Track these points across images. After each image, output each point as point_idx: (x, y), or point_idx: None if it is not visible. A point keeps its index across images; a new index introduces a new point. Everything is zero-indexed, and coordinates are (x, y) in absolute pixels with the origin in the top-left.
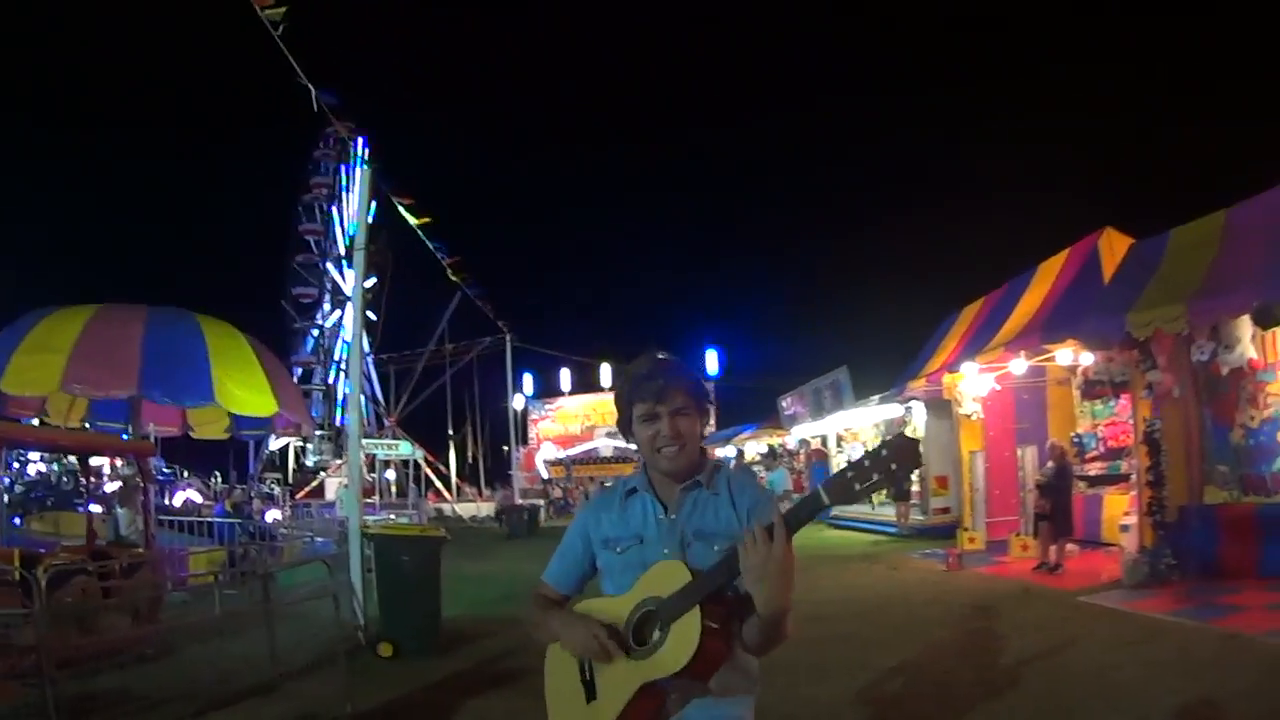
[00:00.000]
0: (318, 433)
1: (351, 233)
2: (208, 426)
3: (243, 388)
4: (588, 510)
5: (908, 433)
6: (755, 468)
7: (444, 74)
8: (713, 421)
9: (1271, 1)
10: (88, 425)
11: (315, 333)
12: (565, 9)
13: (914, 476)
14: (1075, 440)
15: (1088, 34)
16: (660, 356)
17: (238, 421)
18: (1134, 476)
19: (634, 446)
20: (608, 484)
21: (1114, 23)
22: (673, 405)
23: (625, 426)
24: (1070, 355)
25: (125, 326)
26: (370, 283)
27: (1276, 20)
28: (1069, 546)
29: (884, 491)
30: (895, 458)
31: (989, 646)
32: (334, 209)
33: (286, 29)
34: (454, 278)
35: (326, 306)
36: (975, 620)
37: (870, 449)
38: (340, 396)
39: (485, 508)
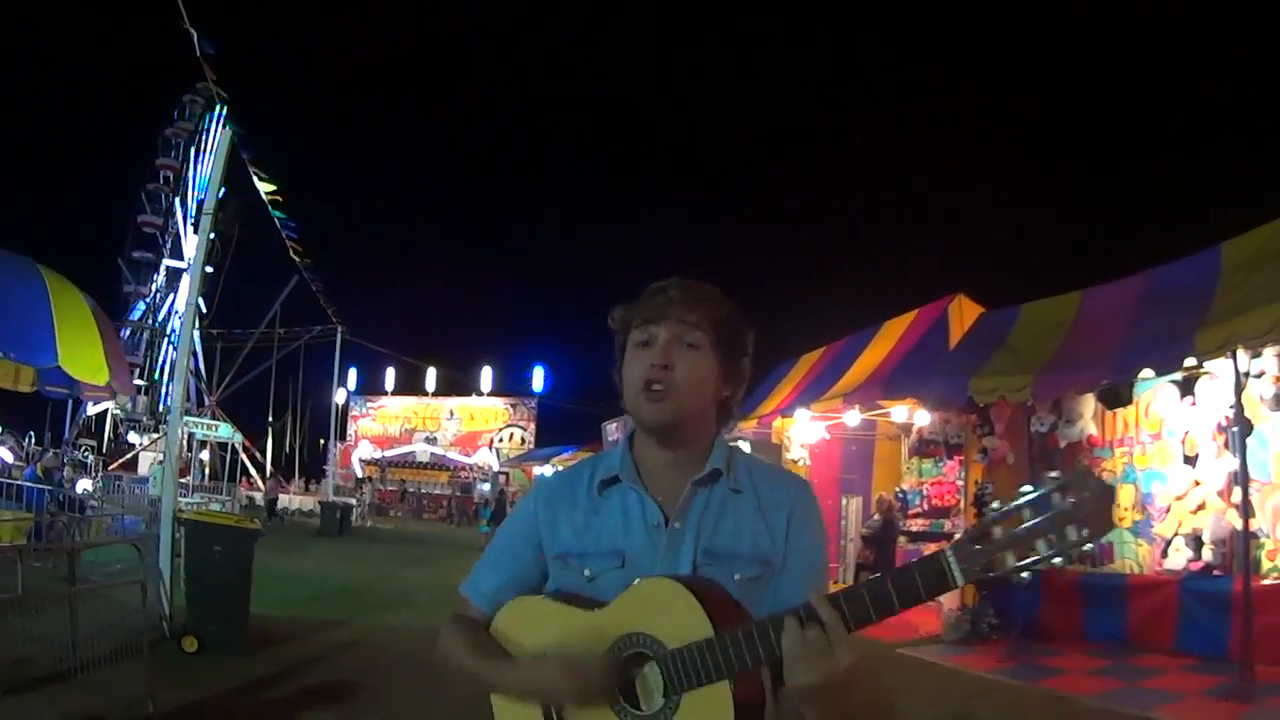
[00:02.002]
0: (139, 403)
1: (200, 199)
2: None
3: (83, 352)
4: (539, 500)
5: None
6: None
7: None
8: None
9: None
10: None
11: (129, 332)
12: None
13: None
14: (899, 495)
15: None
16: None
17: (45, 375)
18: (957, 535)
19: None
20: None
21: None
22: (678, 326)
23: (619, 374)
24: (906, 412)
25: None
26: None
27: (1146, 116)
28: None
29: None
30: (1080, 515)
31: None
32: (177, 200)
33: None
34: (294, 257)
35: (152, 296)
36: None
37: (1035, 492)
38: (165, 375)
39: (299, 500)
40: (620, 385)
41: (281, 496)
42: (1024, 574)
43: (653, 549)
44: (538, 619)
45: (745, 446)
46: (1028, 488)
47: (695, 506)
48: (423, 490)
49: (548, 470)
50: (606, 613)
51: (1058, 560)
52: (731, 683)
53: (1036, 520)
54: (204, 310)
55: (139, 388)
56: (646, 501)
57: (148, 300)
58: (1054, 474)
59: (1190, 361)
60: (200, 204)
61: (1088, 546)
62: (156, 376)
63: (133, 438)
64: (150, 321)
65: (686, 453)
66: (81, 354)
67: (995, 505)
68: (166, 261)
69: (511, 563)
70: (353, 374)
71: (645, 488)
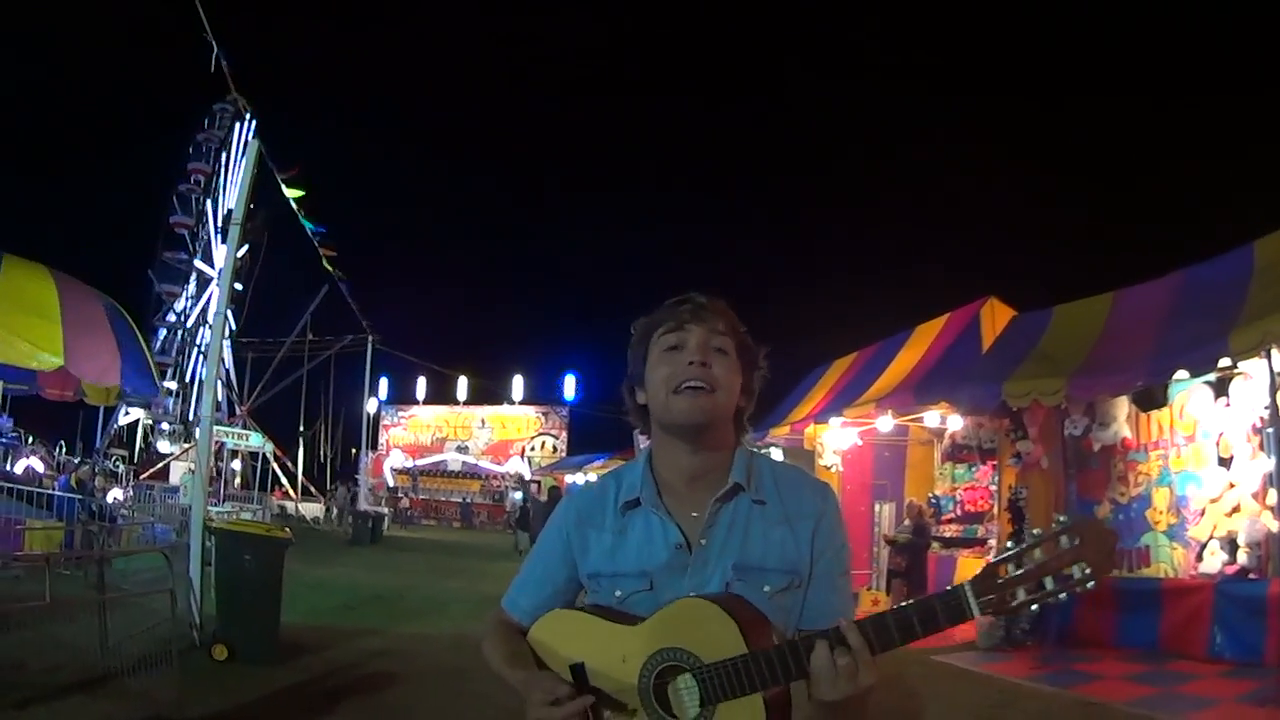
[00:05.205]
0: (167, 427)
1: (229, 210)
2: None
3: (30, 335)
4: (569, 519)
5: None
6: None
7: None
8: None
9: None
10: None
11: (164, 333)
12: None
13: None
14: (932, 501)
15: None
16: None
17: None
18: (991, 541)
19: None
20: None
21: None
22: (709, 330)
23: (634, 387)
24: (938, 417)
25: None
26: (242, 252)
27: (1177, 116)
28: None
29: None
30: (1084, 555)
31: None
32: (209, 202)
33: None
34: (327, 266)
35: (183, 305)
36: None
37: (1037, 533)
38: (196, 387)
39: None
40: (634, 398)
41: (311, 506)
42: (1033, 606)
43: (678, 569)
44: (573, 631)
45: (777, 454)
46: (1037, 530)
47: (721, 523)
48: (438, 498)
49: (580, 479)
50: (642, 628)
51: (1062, 595)
52: (764, 694)
53: (1045, 559)
54: (233, 325)
55: (170, 390)
56: (667, 524)
57: (179, 311)
58: (1062, 518)
59: (1224, 362)
60: (229, 214)
61: (1090, 584)
62: (190, 373)
63: (163, 446)
64: (182, 328)
65: (709, 461)
66: (29, 336)
67: (1008, 545)
68: (198, 263)
69: (549, 583)
70: (384, 383)
71: (666, 508)
